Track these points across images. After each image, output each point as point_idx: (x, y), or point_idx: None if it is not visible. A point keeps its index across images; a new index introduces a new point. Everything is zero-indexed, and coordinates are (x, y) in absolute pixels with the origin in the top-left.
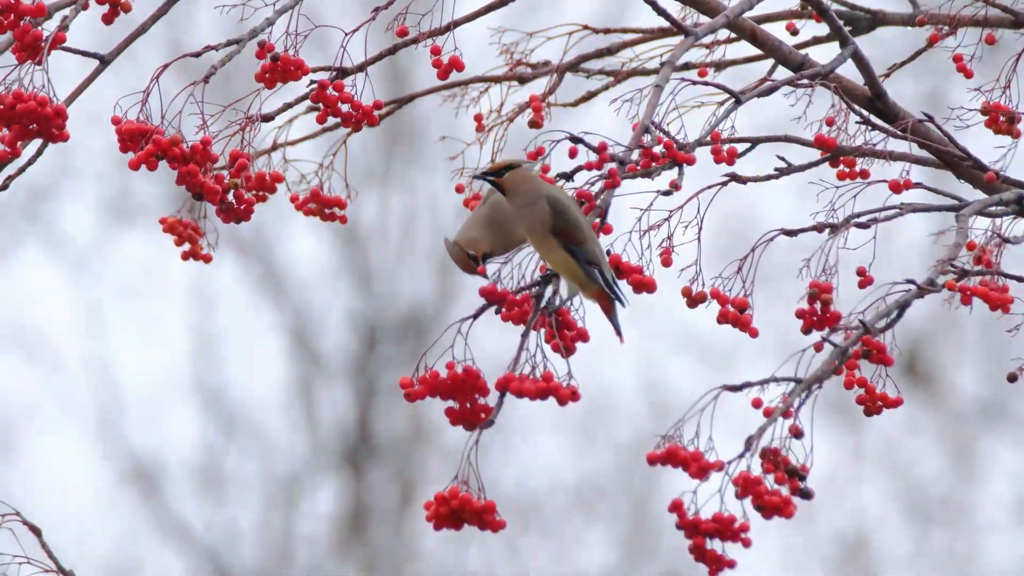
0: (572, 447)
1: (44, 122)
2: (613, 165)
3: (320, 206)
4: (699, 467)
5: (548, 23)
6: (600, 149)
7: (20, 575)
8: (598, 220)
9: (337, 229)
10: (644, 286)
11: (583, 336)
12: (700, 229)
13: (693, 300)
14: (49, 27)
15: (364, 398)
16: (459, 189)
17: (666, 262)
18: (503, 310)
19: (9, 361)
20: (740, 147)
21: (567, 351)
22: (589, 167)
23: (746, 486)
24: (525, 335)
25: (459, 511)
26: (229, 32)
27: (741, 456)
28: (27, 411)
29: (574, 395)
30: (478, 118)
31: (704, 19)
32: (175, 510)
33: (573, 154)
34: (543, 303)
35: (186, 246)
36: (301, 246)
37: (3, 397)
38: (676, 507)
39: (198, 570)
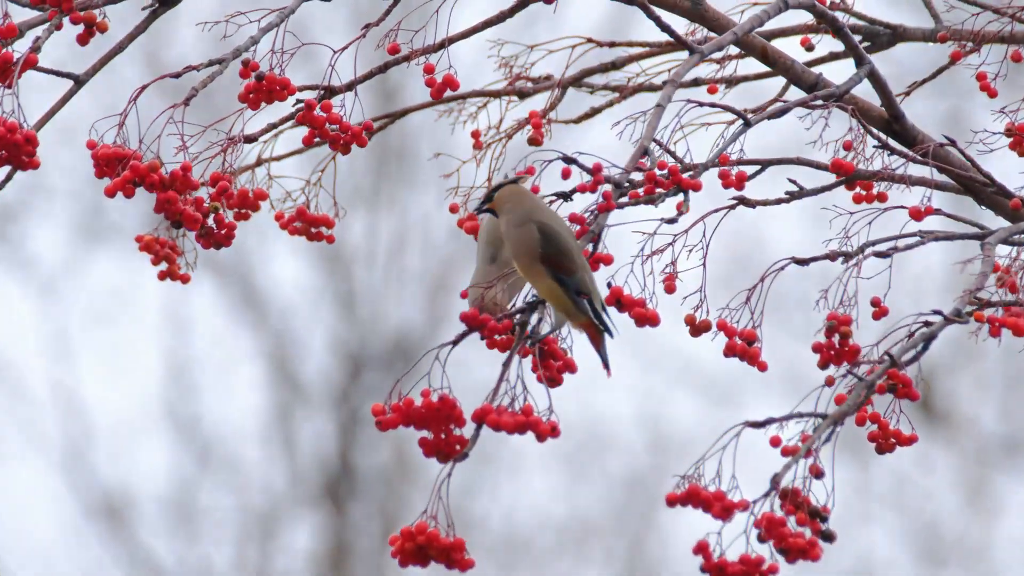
0: (564, 482)
1: (13, 149)
2: (608, 187)
3: (306, 225)
4: (722, 507)
5: (548, 36)
6: (594, 171)
7: None
8: (591, 246)
9: (321, 250)
10: (647, 320)
11: (570, 367)
12: (705, 255)
13: (696, 329)
14: (20, 47)
15: (346, 429)
16: (453, 209)
17: (670, 288)
18: (486, 337)
19: None
20: (749, 169)
21: (552, 382)
22: (583, 189)
23: (770, 527)
24: (506, 365)
25: (425, 547)
26: (210, 46)
27: (767, 495)
28: None
29: (554, 431)
30: (475, 134)
31: (712, 35)
32: (145, 545)
33: (566, 175)
34: (527, 331)
35: (163, 265)
36: (282, 268)
37: None
38: (701, 548)
39: None
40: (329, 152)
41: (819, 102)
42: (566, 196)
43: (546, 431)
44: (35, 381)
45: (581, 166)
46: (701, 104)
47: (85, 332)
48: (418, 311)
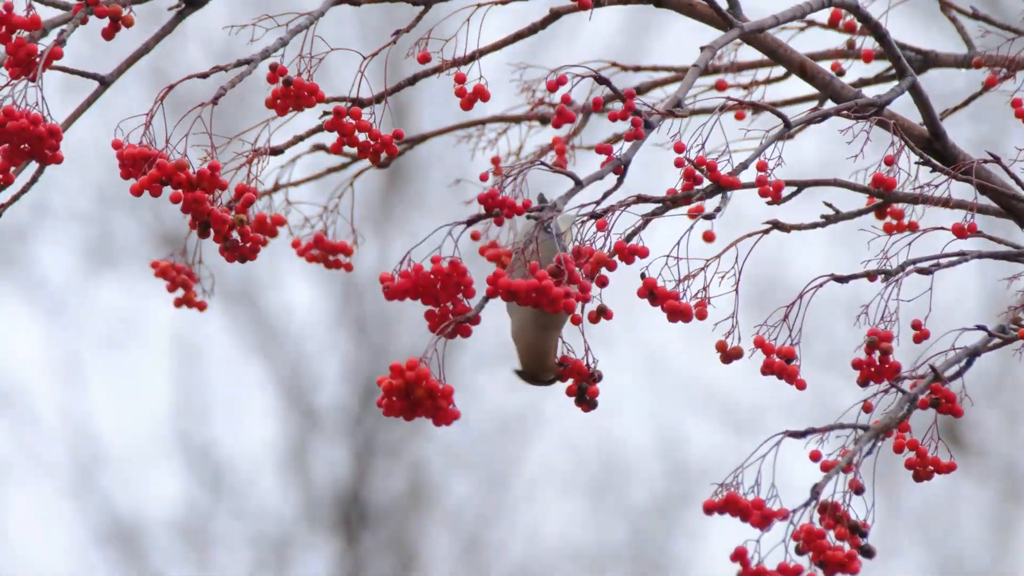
0: (583, 510)
1: (37, 142)
2: (638, 117)
3: (324, 252)
4: (761, 515)
5: (563, 56)
6: (627, 96)
7: None
8: (615, 177)
9: (334, 277)
10: (680, 314)
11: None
12: (738, 280)
13: (728, 356)
14: (45, 43)
15: (361, 457)
16: (475, 236)
17: (701, 315)
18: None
19: None
20: (786, 191)
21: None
22: (613, 117)
23: (808, 539)
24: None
25: (414, 385)
26: (217, 61)
27: (807, 504)
28: (0, 468)
29: (568, 296)
30: (495, 161)
31: (741, 56)
32: (158, 573)
33: (598, 105)
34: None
35: (179, 292)
36: (295, 294)
37: None
38: (740, 555)
39: None
40: (346, 179)
41: (860, 112)
42: (597, 216)
43: (559, 295)
44: (44, 406)
45: (613, 88)
46: (741, 103)
47: (94, 357)
48: (431, 338)
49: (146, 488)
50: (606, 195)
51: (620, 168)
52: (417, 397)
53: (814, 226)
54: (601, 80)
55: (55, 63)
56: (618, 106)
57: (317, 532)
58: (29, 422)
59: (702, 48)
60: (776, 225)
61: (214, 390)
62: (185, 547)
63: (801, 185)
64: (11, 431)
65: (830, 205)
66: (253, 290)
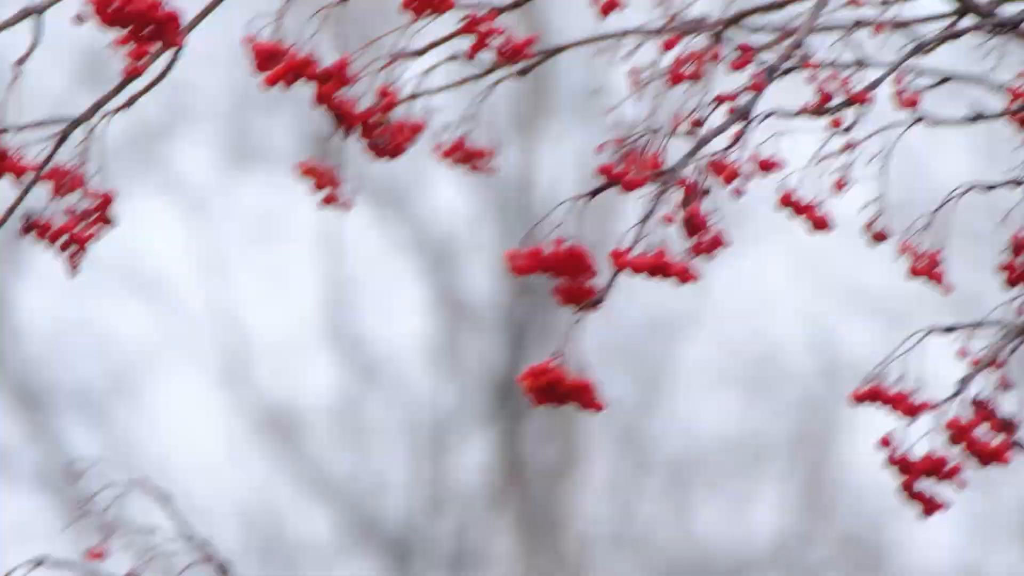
0: (739, 405)
1: (158, 25)
2: (759, 69)
3: (466, 157)
4: (908, 406)
5: None
6: (744, 49)
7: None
8: (740, 127)
9: (479, 179)
10: (818, 224)
11: (717, 241)
12: (885, 163)
13: (876, 237)
14: None
15: (515, 348)
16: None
17: (840, 185)
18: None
19: (128, 306)
20: (930, 79)
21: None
22: (735, 66)
23: (958, 431)
24: (647, 216)
25: (554, 385)
26: None
27: (954, 396)
28: (149, 358)
29: (686, 272)
30: (634, 72)
31: None
32: (315, 460)
33: (716, 57)
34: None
35: (325, 192)
36: (440, 194)
37: (123, 344)
38: (886, 443)
39: (342, 522)
40: (486, 85)
41: (997, 28)
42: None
43: (679, 271)
44: (191, 298)
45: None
46: (871, 24)
47: (238, 252)
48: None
49: (299, 377)
50: (732, 140)
51: (744, 116)
52: (561, 393)
53: (962, 122)
54: (718, 38)
55: None
56: (759, 21)
57: (475, 421)
58: (176, 312)
59: None
60: (923, 119)
61: (362, 285)
62: (341, 435)
63: (945, 77)
64: (158, 321)
65: (976, 107)
66: (398, 189)
